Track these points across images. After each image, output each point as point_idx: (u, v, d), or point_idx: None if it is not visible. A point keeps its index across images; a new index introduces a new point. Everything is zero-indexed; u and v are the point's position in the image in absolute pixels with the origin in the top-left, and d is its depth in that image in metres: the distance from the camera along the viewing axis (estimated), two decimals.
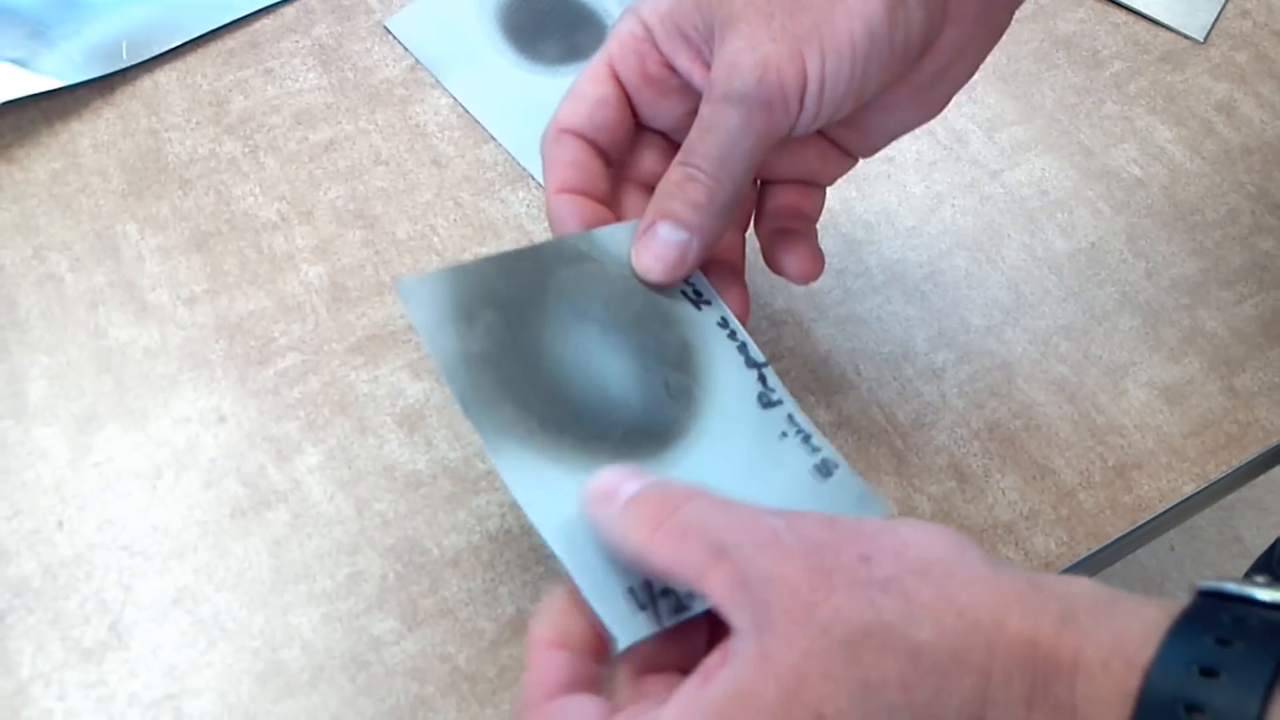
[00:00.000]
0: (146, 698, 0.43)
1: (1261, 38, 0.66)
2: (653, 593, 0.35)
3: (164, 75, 0.58)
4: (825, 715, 0.29)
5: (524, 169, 0.57)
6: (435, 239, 0.54)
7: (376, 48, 0.61)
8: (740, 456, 0.40)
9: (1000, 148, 0.60)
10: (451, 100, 0.59)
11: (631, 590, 0.35)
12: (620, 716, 0.32)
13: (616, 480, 0.35)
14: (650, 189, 0.42)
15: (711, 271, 0.43)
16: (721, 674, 0.30)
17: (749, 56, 0.37)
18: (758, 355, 0.42)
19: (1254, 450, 0.52)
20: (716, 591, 0.31)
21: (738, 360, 0.42)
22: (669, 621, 0.35)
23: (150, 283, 0.52)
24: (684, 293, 0.42)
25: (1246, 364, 0.54)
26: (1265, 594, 0.28)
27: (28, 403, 0.49)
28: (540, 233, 0.55)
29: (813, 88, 0.38)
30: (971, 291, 0.55)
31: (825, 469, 0.40)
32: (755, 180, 0.45)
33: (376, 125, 0.58)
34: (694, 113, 0.40)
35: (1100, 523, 0.50)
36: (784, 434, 0.41)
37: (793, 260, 0.44)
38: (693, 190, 0.39)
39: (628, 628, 0.34)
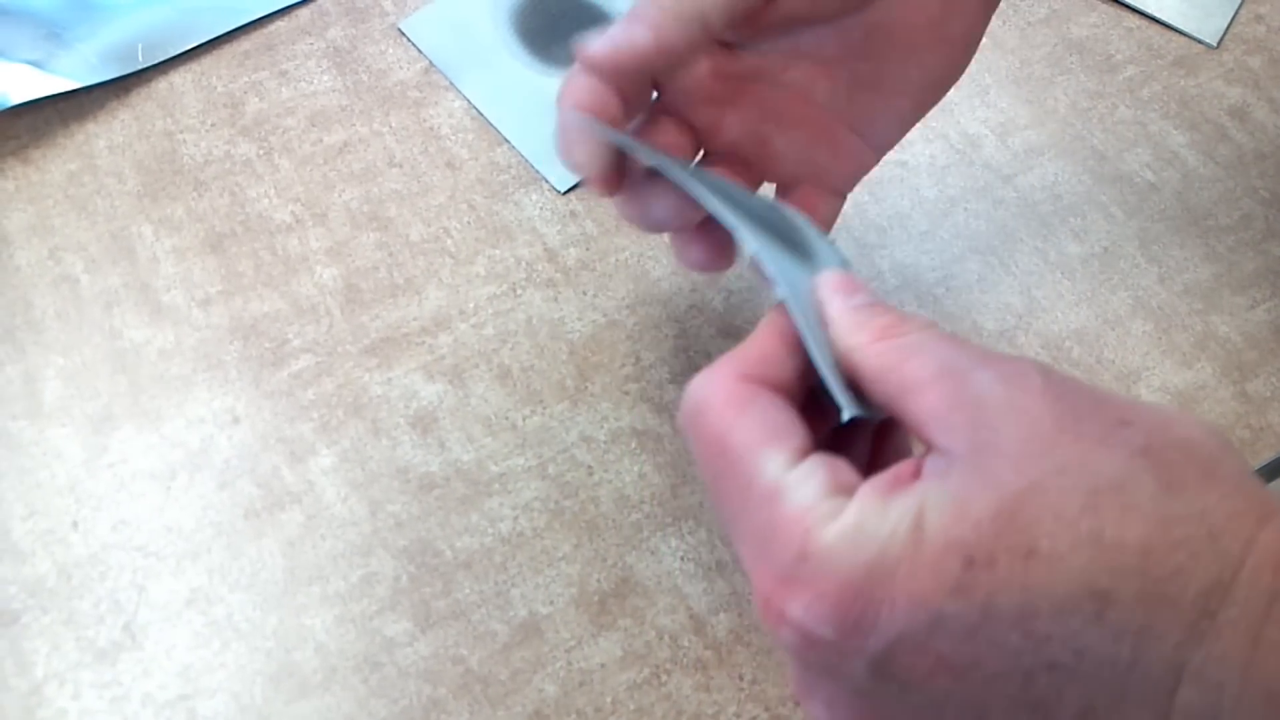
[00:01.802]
0: (160, 698, 0.43)
1: (1275, 42, 0.66)
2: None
3: (179, 77, 0.59)
4: (1039, 550, 0.26)
5: (537, 171, 0.57)
6: (449, 241, 0.55)
7: (391, 50, 0.61)
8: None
9: (1013, 152, 0.60)
10: (465, 103, 0.59)
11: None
12: (808, 464, 0.29)
13: (858, 281, 0.33)
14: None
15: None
16: (920, 484, 0.28)
17: None
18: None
19: (1266, 456, 0.52)
20: (927, 407, 0.29)
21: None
22: (877, 416, 0.33)
23: (165, 284, 0.52)
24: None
25: (1259, 370, 0.54)
26: None
27: (43, 403, 0.49)
28: (554, 234, 0.55)
29: None
30: (984, 296, 0.55)
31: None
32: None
33: (390, 128, 0.58)
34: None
35: None
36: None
37: None
38: None
39: (851, 401, 0.32)
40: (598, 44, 0.37)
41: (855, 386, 0.32)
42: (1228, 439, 0.28)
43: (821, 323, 0.33)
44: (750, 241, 0.35)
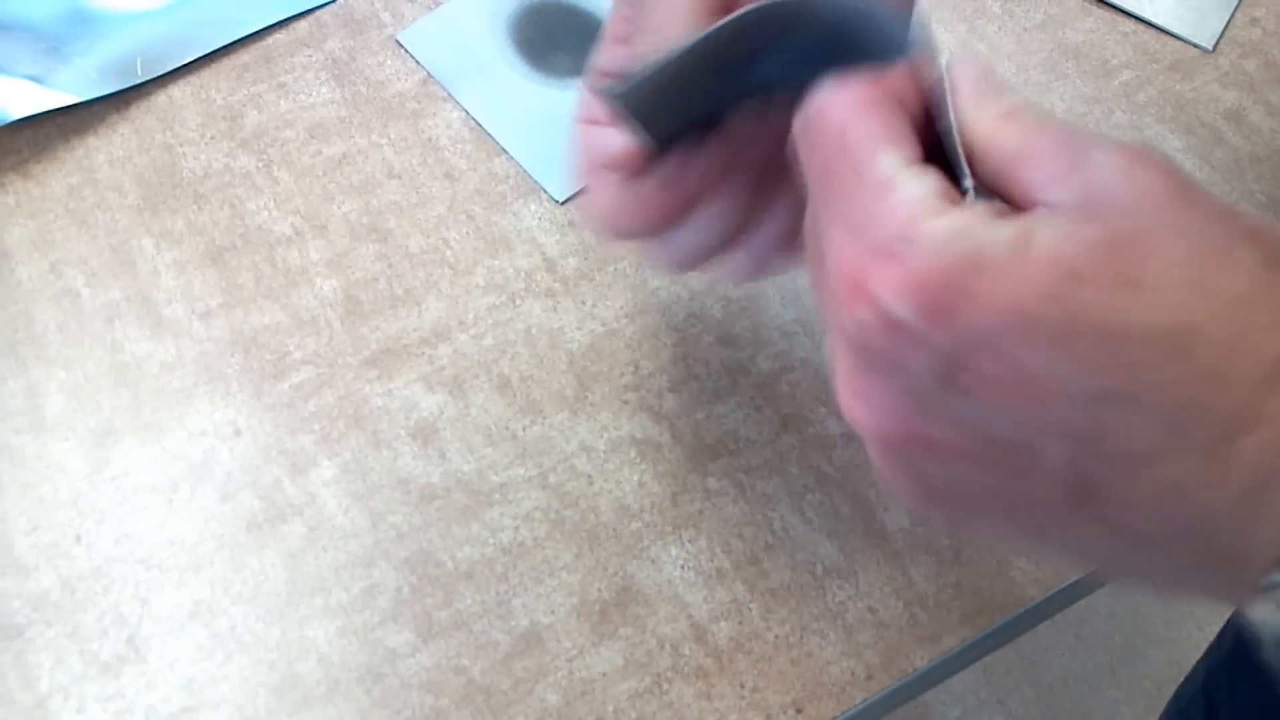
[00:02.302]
0: (164, 710, 0.44)
1: (1270, 45, 0.66)
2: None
3: (178, 90, 0.59)
4: (1142, 281, 0.27)
5: (536, 182, 0.57)
6: (448, 252, 0.55)
7: (389, 61, 0.61)
8: None
9: None
10: (463, 113, 0.59)
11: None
12: (924, 169, 0.30)
13: (990, 69, 0.33)
14: None
15: None
16: (1032, 214, 0.28)
17: None
18: None
19: None
20: (1044, 173, 0.29)
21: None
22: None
23: (166, 297, 0.53)
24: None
25: None
26: None
27: (45, 417, 0.49)
28: (553, 244, 0.55)
29: None
30: None
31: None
32: None
33: (389, 139, 0.58)
34: None
35: None
36: None
37: None
38: None
39: (969, 174, 0.32)
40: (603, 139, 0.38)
41: (970, 163, 0.32)
42: None
43: (950, 98, 0.32)
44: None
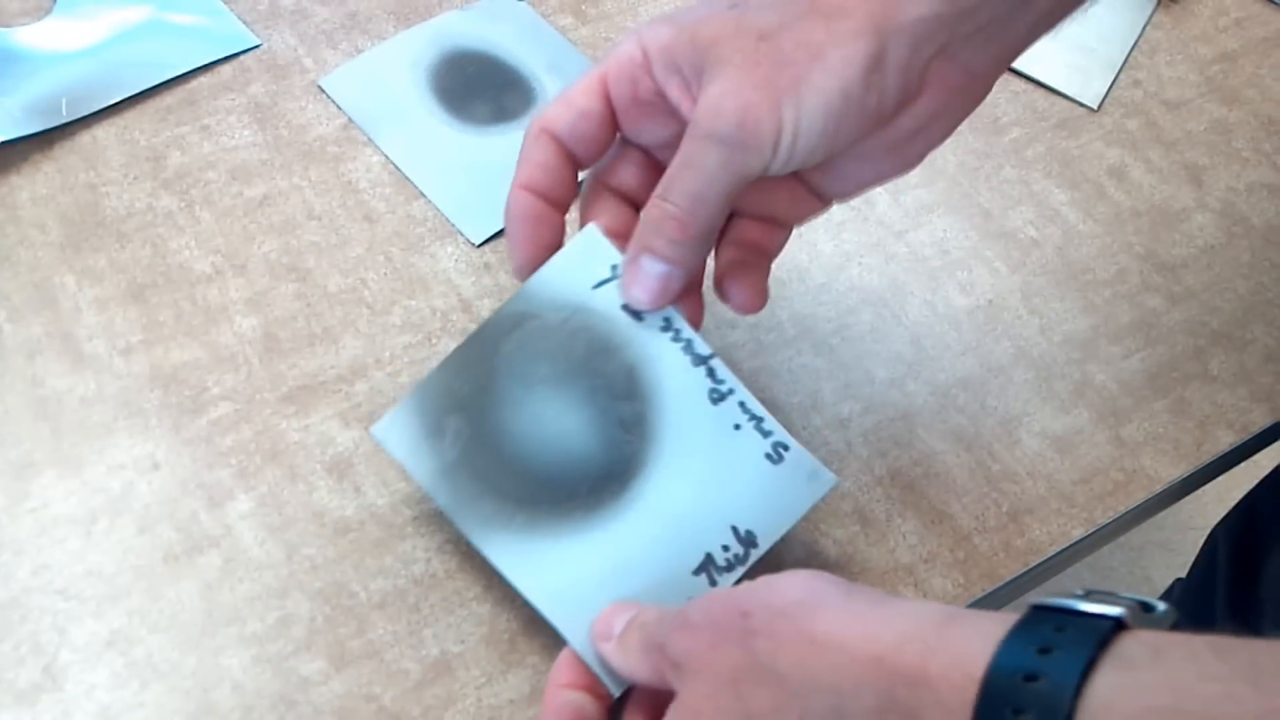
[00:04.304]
0: None
1: (1151, 106, 0.70)
2: None
3: (103, 131, 0.60)
4: None
5: (453, 225, 0.59)
6: (366, 292, 0.57)
7: (311, 106, 0.63)
8: (699, 465, 0.46)
9: (905, 209, 0.63)
10: (383, 158, 0.61)
11: None
12: None
13: (609, 620, 0.44)
14: (624, 199, 0.46)
15: None
16: None
17: (732, 101, 0.39)
18: (703, 349, 0.46)
19: (1139, 497, 0.56)
20: (665, 676, 0.40)
21: (684, 362, 0.46)
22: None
23: (87, 333, 0.54)
24: (624, 309, 0.46)
25: (1133, 415, 0.58)
26: (1085, 605, 0.32)
27: None
28: (468, 286, 0.57)
29: (786, 139, 0.40)
30: (876, 345, 0.58)
31: (777, 454, 0.46)
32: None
33: (310, 181, 0.60)
34: (677, 137, 0.42)
35: (994, 565, 0.53)
36: (737, 425, 0.46)
37: (739, 291, 0.47)
38: (671, 227, 0.42)
39: (616, 680, 0.44)
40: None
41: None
42: (826, 579, 0.38)
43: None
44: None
